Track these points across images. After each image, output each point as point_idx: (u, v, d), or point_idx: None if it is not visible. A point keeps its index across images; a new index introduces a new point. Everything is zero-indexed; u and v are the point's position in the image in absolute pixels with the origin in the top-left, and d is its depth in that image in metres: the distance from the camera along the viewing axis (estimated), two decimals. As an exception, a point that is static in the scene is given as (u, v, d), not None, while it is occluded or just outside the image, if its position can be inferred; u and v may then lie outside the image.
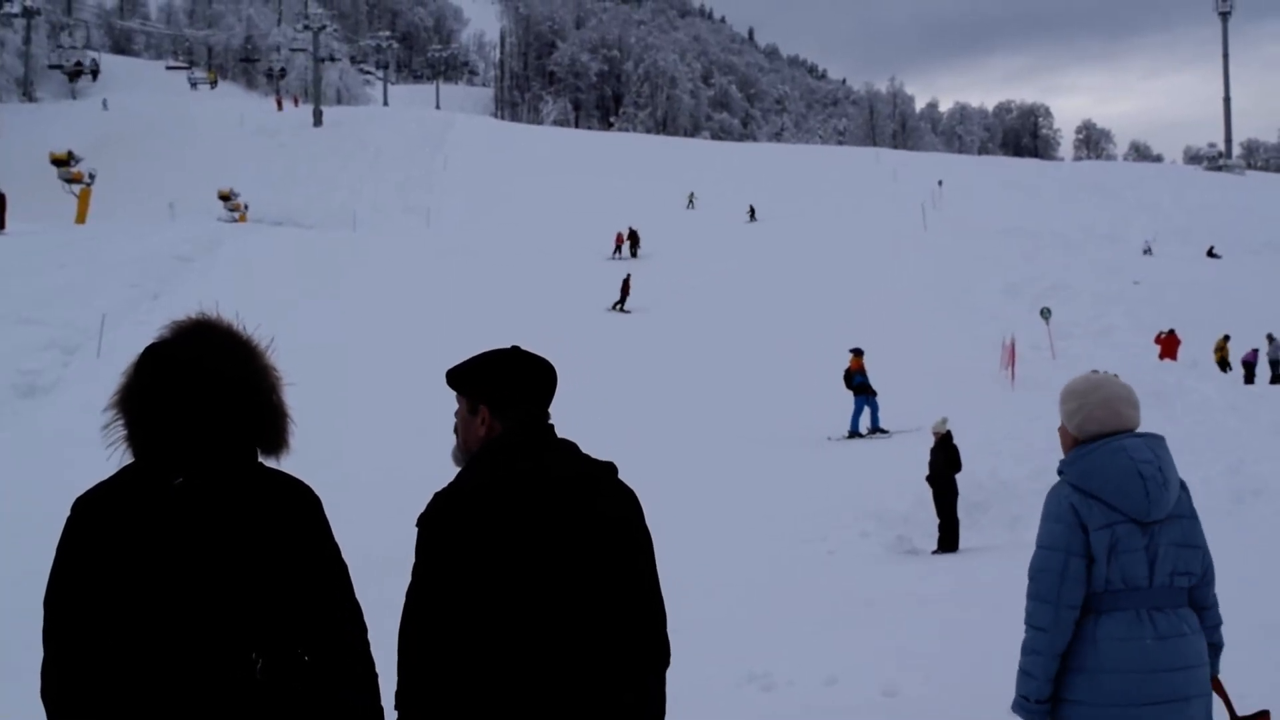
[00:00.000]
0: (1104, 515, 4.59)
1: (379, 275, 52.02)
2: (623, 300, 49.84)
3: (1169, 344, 40.64)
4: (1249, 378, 39.92)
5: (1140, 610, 4.57)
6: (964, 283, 53.26)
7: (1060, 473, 4.75)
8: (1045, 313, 41.90)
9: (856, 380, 30.15)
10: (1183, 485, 4.75)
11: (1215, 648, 4.80)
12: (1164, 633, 4.57)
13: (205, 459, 3.50)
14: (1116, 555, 4.57)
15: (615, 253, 63.95)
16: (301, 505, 3.63)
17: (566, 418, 4.02)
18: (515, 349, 3.93)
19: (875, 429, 29.84)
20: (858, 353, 30.72)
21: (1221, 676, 4.88)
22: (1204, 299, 53.04)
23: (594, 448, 3.98)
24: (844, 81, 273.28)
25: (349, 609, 3.66)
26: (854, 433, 29.69)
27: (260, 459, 3.67)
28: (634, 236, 65.32)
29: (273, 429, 3.68)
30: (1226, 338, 42.68)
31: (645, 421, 30.00)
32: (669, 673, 3.91)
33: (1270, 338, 42.52)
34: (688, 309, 48.58)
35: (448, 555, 3.56)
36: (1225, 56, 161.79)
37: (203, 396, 3.49)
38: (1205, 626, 4.73)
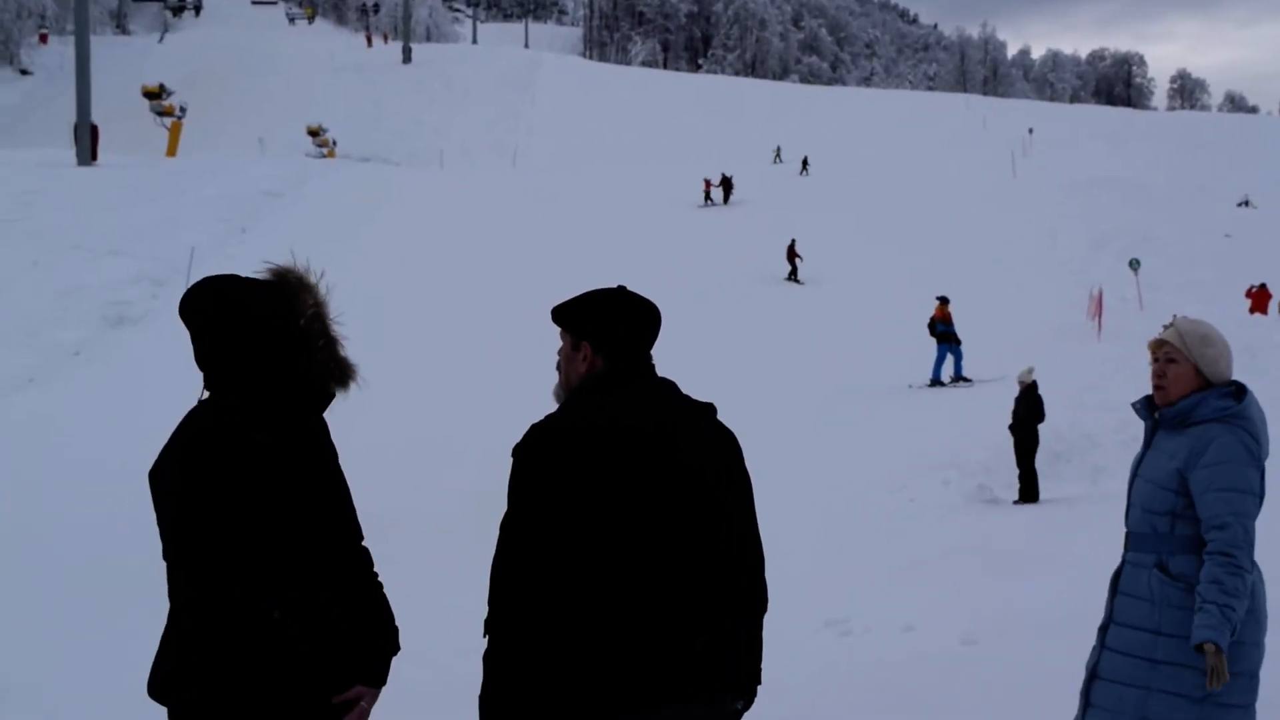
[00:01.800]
0: (1262, 461, 4.70)
1: (465, 215, 52.15)
2: (794, 270, 45.98)
3: (1260, 298, 40.05)
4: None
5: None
6: (1052, 232, 52.71)
7: (1229, 418, 4.71)
8: (1134, 263, 41.30)
9: (940, 329, 29.95)
10: None
11: None
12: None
13: (239, 390, 3.74)
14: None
15: (707, 199, 63.17)
16: (314, 440, 3.81)
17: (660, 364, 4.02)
18: (621, 289, 3.97)
19: (958, 377, 29.65)
20: (943, 300, 30.47)
21: None
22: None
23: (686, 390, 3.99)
24: (935, 26, 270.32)
25: (359, 549, 3.90)
26: (936, 381, 29.52)
27: (333, 392, 3.90)
28: (727, 183, 63.96)
29: (316, 361, 3.86)
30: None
31: (731, 369, 30.00)
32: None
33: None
34: (776, 259, 48.24)
35: (538, 488, 3.63)
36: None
37: (225, 331, 3.73)
38: None
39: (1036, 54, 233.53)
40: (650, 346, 3.93)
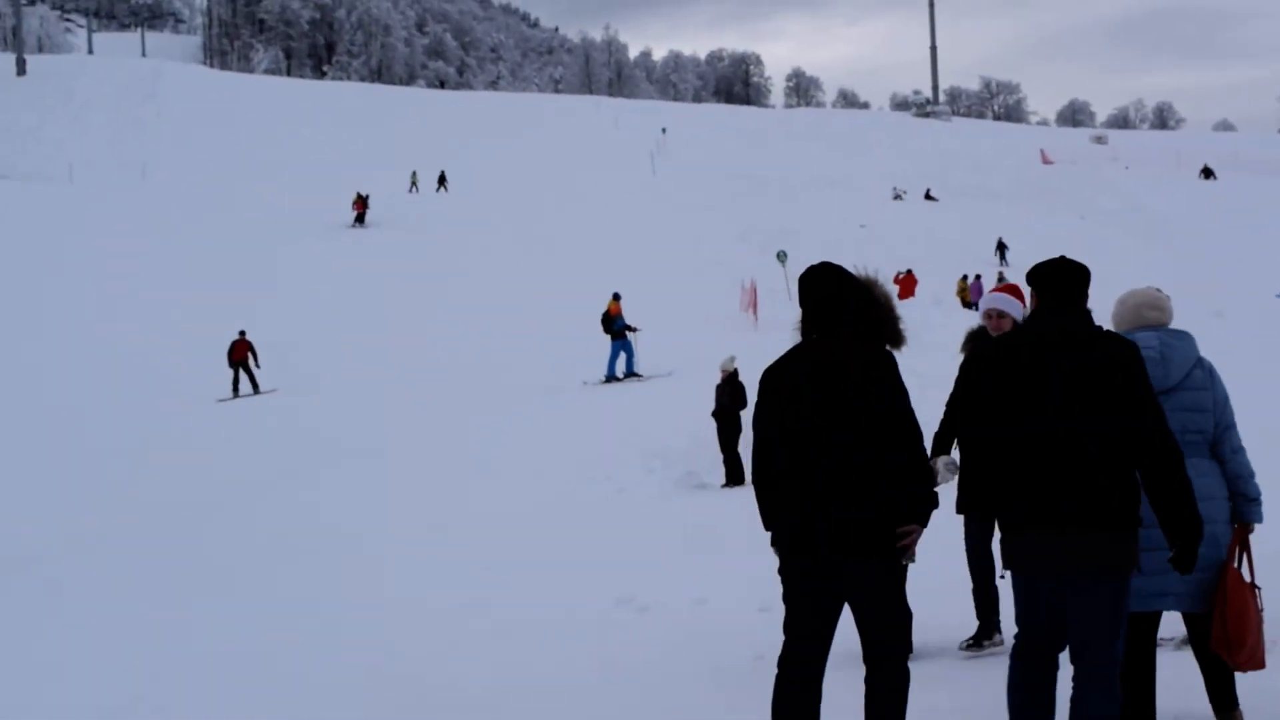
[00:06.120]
0: None
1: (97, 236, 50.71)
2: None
3: (907, 284, 42.06)
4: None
5: None
6: (698, 229, 54.11)
7: None
8: (781, 256, 42.81)
9: (616, 325, 30.41)
10: (1200, 365, 6.23)
11: (1238, 496, 6.18)
12: None
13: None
14: None
15: (356, 221, 61.95)
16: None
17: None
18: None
19: (630, 373, 30.20)
20: (616, 297, 30.99)
21: None
22: (925, 240, 54.94)
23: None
24: (556, 30, 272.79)
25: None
26: (611, 377, 30.02)
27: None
28: (362, 201, 63.01)
29: (888, 326, 6.72)
30: (965, 278, 44.55)
31: (410, 374, 30.07)
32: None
33: (1000, 276, 44.35)
34: (423, 273, 48.14)
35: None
36: (931, 4, 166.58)
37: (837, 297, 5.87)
38: (1226, 476, 6.17)
39: (658, 55, 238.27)
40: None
